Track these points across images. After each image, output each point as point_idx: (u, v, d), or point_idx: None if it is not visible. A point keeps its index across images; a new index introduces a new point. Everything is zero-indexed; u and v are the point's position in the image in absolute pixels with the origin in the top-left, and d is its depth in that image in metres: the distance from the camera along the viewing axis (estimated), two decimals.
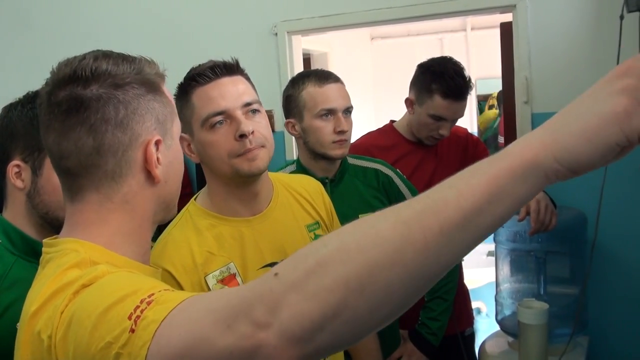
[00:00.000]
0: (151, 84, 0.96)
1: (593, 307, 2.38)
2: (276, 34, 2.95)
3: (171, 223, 1.42)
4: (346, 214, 1.68)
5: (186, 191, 3.18)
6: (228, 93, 1.34)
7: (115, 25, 3.23)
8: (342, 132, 1.80)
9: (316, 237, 1.54)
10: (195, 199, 1.46)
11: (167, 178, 0.97)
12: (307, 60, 4.20)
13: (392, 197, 1.96)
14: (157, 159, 0.93)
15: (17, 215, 1.33)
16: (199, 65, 1.38)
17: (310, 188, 1.60)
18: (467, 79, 2.19)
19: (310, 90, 1.81)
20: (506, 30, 2.80)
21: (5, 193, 1.36)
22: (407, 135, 2.32)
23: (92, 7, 3.28)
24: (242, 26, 3.01)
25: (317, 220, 1.57)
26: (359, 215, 1.85)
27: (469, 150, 2.40)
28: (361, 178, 1.96)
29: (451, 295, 2.03)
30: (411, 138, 2.31)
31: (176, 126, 1.00)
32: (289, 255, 1.39)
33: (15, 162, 1.30)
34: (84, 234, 0.93)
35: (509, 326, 2.18)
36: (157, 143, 0.94)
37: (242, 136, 1.32)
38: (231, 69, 1.38)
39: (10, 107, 1.35)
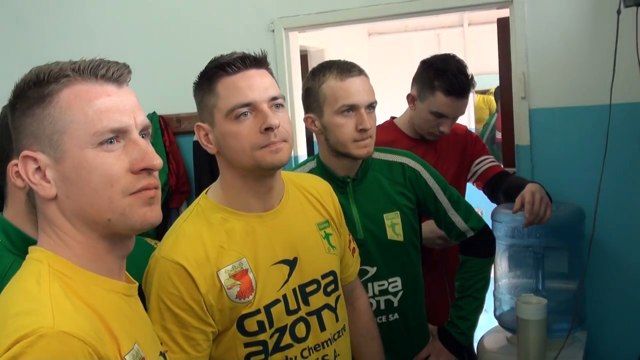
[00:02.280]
0: (33, 99, 0.94)
1: (591, 302, 2.38)
2: (273, 30, 2.94)
3: (180, 217, 1.42)
4: (370, 214, 1.64)
5: (184, 189, 3.18)
6: (256, 85, 1.32)
7: (112, 23, 3.22)
8: (364, 130, 1.67)
9: (326, 235, 1.53)
10: (206, 193, 1.45)
11: (68, 193, 0.93)
12: (304, 56, 4.19)
13: (419, 192, 1.87)
14: (41, 174, 0.94)
15: (17, 214, 1.33)
16: (223, 55, 1.36)
17: (320, 188, 1.59)
18: (470, 76, 2.18)
19: (331, 84, 1.68)
20: (503, 26, 2.80)
21: (5, 192, 1.36)
22: (407, 132, 2.32)
23: (89, 5, 3.27)
24: (239, 23, 3.01)
25: (327, 219, 1.55)
26: (384, 215, 1.82)
27: (468, 147, 2.40)
28: (386, 174, 1.84)
29: (483, 293, 1.94)
30: (412, 134, 2.31)
31: (73, 138, 0.92)
32: (299, 253, 1.42)
33: (15, 161, 1.31)
34: (46, 244, 0.96)
35: (508, 321, 2.19)
36: (28, 158, 0.94)
37: (268, 129, 1.31)
38: (260, 62, 1.36)
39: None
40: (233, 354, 1.37)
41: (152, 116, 3.08)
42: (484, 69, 5.17)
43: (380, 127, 2.39)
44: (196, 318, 1.30)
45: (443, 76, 2.14)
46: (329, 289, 1.49)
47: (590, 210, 2.05)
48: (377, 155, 1.84)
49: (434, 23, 5.36)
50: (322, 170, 1.78)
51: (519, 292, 2.17)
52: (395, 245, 1.81)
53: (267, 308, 1.37)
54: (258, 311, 1.35)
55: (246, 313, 1.34)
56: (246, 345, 1.36)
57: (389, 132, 2.33)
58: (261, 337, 1.36)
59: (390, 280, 1.82)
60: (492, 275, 2.32)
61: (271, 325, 1.37)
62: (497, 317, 2.28)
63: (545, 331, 1.91)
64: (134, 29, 3.18)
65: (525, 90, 2.58)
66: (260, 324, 1.36)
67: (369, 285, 1.80)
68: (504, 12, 2.74)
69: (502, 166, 2.42)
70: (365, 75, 1.73)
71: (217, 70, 1.34)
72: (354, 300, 1.69)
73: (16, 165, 1.30)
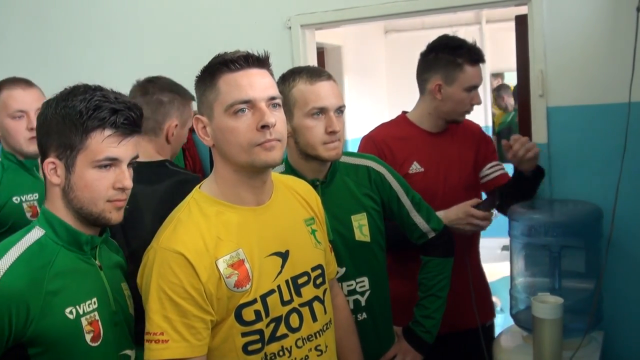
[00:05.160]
0: None
1: (608, 301, 2.36)
2: (290, 27, 2.95)
3: (175, 210, 1.45)
4: (338, 216, 1.69)
5: None
6: (256, 84, 1.37)
7: (129, 20, 3.24)
8: (333, 133, 1.73)
9: (313, 231, 1.58)
10: (200, 187, 1.48)
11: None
12: (320, 53, 4.19)
13: (384, 194, 1.92)
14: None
15: (56, 208, 1.40)
16: (227, 52, 1.41)
17: (303, 187, 1.65)
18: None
19: (301, 88, 1.74)
20: (521, 23, 2.78)
21: (45, 187, 1.43)
22: (423, 126, 2.32)
23: (107, 2, 3.30)
24: (256, 20, 3.02)
25: (313, 216, 1.61)
26: (351, 217, 1.86)
27: (482, 147, 2.42)
28: (352, 176, 1.90)
29: (445, 291, 1.98)
30: (426, 128, 2.32)
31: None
32: (290, 246, 1.49)
33: (51, 159, 1.37)
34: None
35: (524, 320, 2.18)
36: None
37: (264, 127, 1.35)
38: (262, 62, 1.41)
39: (47, 104, 1.41)
40: (231, 344, 1.39)
41: None
42: (501, 66, 5.15)
43: (394, 122, 2.40)
44: (197, 307, 1.33)
45: (461, 50, 2.21)
46: (317, 282, 1.54)
47: (608, 209, 2.04)
48: (344, 158, 1.89)
49: (451, 20, 5.33)
50: (291, 174, 1.80)
51: (535, 291, 2.15)
52: (363, 246, 1.87)
53: (263, 298, 1.40)
54: (255, 300, 1.39)
55: (244, 302, 1.38)
56: (243, 334, 1.39)
57: (403, 127, 2.33)
58: (258, 326, 1.40)
59: (358, 280, 1.87)
60: (508, 273, 2.32)
61: (267, 314, 1.41)
62: (512, 316, 2.27)
63: (561, 331, 1.90)
64: (152, 26, 3.20)
65: (543, 88, 2.56)
66: (257, 313, 1.39)
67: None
68: (522, 9, 2.72)
69: (510, 175, 2.40)
70: (334, 80, 1.78)
71: (220, 66, 1.38)
72: (333, 297, 1.73)
73: (52, 162, 1.36)
